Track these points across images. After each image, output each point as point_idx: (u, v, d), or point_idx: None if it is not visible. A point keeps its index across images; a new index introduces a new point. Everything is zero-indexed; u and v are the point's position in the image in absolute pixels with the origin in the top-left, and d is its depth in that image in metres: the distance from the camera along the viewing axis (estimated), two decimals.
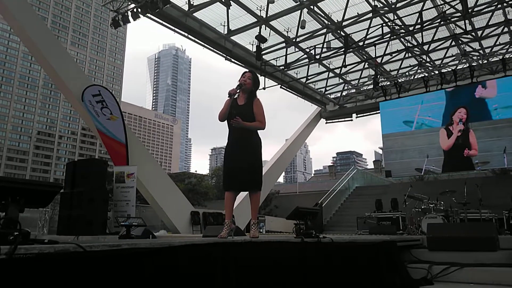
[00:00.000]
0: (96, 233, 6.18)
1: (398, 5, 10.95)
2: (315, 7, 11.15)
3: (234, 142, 3.88)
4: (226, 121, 3.92)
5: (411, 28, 11.12)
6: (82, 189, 6.72)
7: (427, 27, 10.89)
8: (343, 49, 11.95)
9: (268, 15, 11.39)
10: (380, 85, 14.00)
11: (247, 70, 4.04)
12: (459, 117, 13.32)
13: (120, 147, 8.95)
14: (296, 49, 13.09)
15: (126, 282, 1.93)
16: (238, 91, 3.85)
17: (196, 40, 11.82)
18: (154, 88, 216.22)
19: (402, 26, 11.56)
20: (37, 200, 2.13)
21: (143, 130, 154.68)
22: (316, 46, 12.42)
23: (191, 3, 10.77)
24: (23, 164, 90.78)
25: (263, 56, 12.91)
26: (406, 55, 13.64)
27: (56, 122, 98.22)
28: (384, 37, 11.42)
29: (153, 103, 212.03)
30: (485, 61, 13.09)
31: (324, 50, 12.43)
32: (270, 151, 16.55)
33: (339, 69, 14.31)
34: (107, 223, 7.10)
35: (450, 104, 13.74)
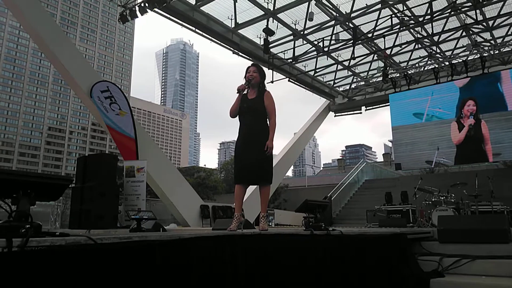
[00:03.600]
0: (107, 227, 6.22)
1: None
2: None
3: (245, 136, 3.94)
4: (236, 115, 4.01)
5: (420, 19, 10.95)
6: (93, 184, 6.77)
7: (437, 17, 10.71)
8: (351, 41, 11.84)
9: (275, 8, 11.32)
10: (389, 77, 13.85)
11: (251, 65, 4.10)
12: (469, 111, 13.09)
13: (129, 142, 9.01)
14: (304, 42, 12.98)
15: (137, 273, 1.94)
16: (247, 86, 3.94)
17: (203, 34, 11.81)
18: (163, 83, 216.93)
19: (412, 17, 11.40)
20: (48, 193, 2.15)
21: (152, 125, 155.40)
22: (325, 39, 12.31)
23: None
24: (35, 159, 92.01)
25: (271, 49, 12.86)
26: (416, 47, 13.48)
27: (66, 117, 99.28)
28: (393, 28, 11.29)
29: (162, 98, 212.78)
30: (497, 52, 12.86)
31: (333, 42, 12.31)
32: (278, 144, 16.52)
33: (348, 61, 14.22)
34: (118, 217, 7.16)
35: (462, 96, 13.52)
